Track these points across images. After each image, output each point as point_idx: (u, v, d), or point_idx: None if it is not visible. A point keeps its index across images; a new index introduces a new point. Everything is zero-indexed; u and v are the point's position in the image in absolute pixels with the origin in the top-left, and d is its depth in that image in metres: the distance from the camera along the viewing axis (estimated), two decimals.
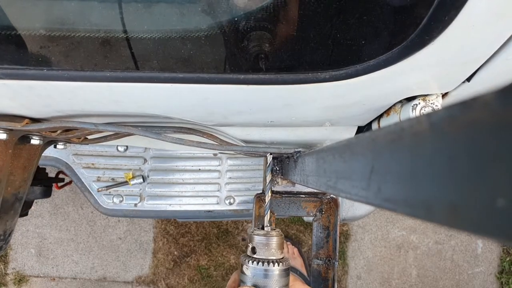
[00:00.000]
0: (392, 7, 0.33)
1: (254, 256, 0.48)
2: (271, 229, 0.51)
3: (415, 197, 0.14)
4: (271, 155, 0.56)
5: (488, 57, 0.36)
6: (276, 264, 0.46)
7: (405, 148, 0.15)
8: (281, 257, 0.48)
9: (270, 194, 0.56)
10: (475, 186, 0.10)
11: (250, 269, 0.46)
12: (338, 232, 0.76)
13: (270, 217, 0.49)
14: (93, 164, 0.99)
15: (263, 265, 0.46)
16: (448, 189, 0.12)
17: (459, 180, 0.11)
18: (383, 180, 0.17)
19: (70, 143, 0.74)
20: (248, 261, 0.47)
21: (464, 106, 0.11)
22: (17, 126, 0.53)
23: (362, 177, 0.19)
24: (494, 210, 0.09)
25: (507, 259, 1.65)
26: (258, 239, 0.48)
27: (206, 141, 0.66)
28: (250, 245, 0.49)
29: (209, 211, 1.01)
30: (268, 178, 0.56)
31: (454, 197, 0.11)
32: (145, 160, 1.01)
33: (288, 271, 0.48)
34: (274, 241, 0.48)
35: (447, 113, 0.12)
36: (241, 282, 0.47)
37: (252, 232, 0.50)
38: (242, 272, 0.47)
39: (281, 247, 0.49)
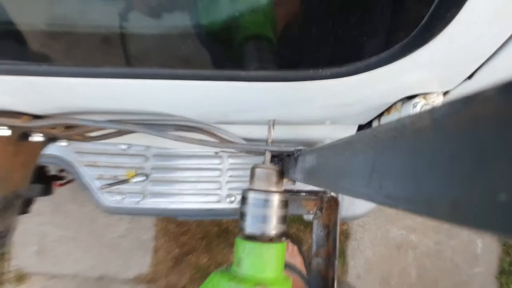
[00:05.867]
0: (393, 4, 0.32)
1: (255, 188, 0.51)
2: (271, 164, 0.55)
3: (417, 193, 0.14)
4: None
5: (490, 54, 0.36)
6: (275, 194, 0.49)
7: (407, 144, 0.15)
8: (281, 190, 0.52)
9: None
10: (477, 181, 0.10)
11: (250, 199, 0.49)
12: (338, 231, 0.76)
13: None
14: (95, 162, 0.99)
15: (262, 196, 0.49)
16: (449, 184, 0.12)
17: (461, 175, 0.11)
18: (385, 177, 0.17)
19: (72, 140, 0.74)
20: (249, 191, 0.50)
21: (465, 102, 0.11)
22: (18, 122, 0.53)
23: (363, 175, 0.19)
24: (496, 205, 0.09)
25: (507, 259, 1.65)
26: (258, 171, 0.52)
27: (207, 139, 0.66)
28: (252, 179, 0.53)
29: (210, 209, 1.01)
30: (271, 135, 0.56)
31: (455, 192, 0.11)
32: (147, 158, 1.01)
33: (286, 203, 0.51)
34: (274, 174, 0.52)
35: (448, 108, 0.12)
36: (240, 213, 0.51)
37: (254, 167, 0.53)
38: (243, 203, 0.51)
39: (280, 181, 0.53)
